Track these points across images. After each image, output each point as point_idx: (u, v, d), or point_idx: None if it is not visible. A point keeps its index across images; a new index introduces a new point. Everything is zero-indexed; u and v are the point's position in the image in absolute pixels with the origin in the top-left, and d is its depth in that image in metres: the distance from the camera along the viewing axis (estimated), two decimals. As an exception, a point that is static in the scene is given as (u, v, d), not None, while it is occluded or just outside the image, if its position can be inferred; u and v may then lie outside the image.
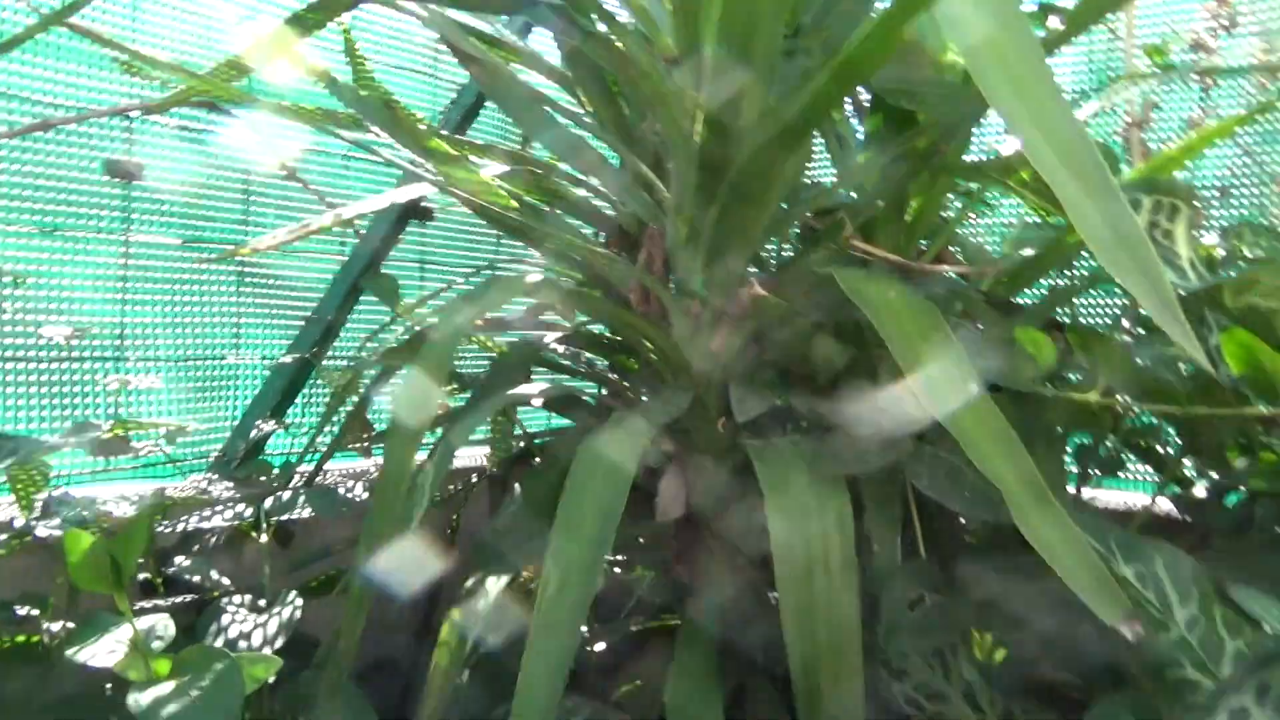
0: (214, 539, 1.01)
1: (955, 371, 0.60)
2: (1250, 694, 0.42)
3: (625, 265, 0.92)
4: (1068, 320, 0.98)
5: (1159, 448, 1.03)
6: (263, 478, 1.15)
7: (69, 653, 0.60)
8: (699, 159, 0.77)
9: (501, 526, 0.91)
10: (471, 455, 1.39)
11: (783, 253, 1.06)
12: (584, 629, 1.04)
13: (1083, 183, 0.45)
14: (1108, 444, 1.02)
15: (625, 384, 1.17)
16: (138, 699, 0.57)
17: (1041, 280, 0.97)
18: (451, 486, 1.28)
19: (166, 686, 0.57)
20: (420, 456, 0.82)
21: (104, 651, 0.59)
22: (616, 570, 1.15)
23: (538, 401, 1.09)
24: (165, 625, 0.62)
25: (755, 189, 0.74)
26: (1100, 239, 0.44)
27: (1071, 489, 1.10)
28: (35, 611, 0.75)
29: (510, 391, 0.89)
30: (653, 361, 0.98)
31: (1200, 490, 0.96)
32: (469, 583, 0.86)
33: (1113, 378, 0.69)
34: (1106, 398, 0.71)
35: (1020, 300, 0.98)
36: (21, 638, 0.75)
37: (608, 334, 1.08)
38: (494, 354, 1.15)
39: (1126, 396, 0.74)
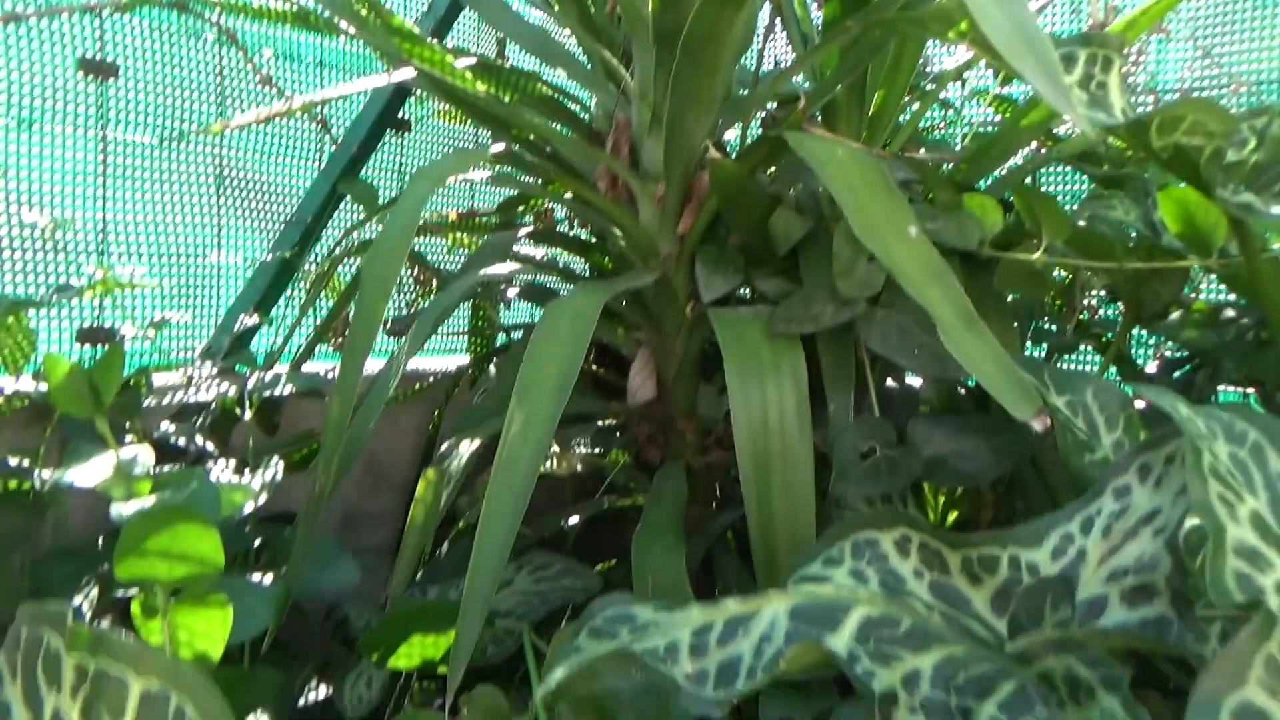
0: (201, 418, 1.04)
1: (895, 215, 0.63)
2: (1134, 474, 0.45)
3: (594, 151, 0.94)
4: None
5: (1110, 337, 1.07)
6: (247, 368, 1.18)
7: (54, 473, 0.63)
8: (654, 31, 0.79)
9: (477, 401, 0.95)
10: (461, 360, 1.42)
11: (746, 142, 1.08)
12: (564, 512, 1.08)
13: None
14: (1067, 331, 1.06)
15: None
16: (119, 510, 0.60)
17: (998, 171, 1.00)
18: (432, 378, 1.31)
19: (147, 500, 0.61)
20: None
21: (88, 473, 0.63)
22: (595, 452, 1.18)
23: (513, 293, 1.12)
24: (146, 454, 0.65)
25: (705, 51, 0.76)
26: (1000, 30, 0.46)
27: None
28: (26, 463, 0.79)
29: (482, 271, 0.92)
30: (622, 249, 1.01)
31: (1150, 368, 1.00)
32: (443, 446, 0.89)
33: (1055, 236, 0.72)
34: (1050, 257, 0.74)
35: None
36: (14, 483, 0.78)
37: (579, 232, 1.11)
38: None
39: (1072, 259, 0.77)
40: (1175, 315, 0.78)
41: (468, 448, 0.85)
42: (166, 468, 0.92)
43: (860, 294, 0.78)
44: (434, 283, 1.35)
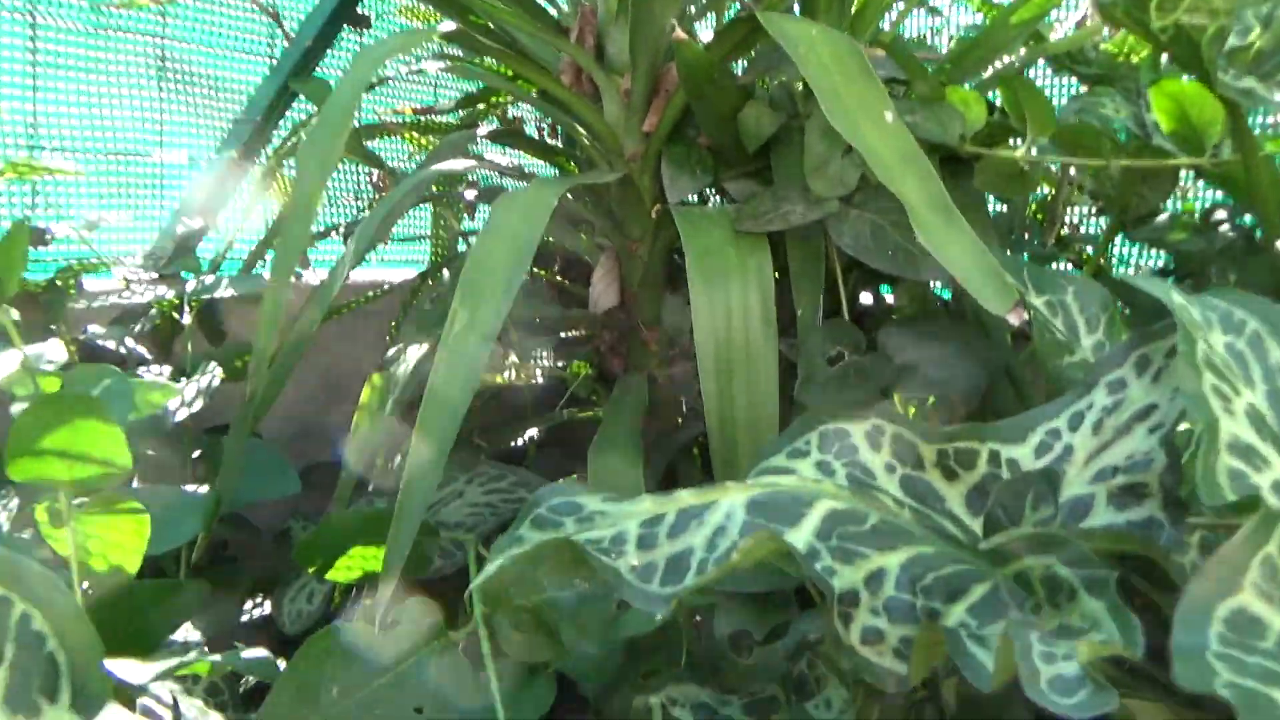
0: (139, 323, 0.98)
1: (871, 100, 0.58)
2: (1130, 367, 0.42)
3: (557, 40, 0.88)
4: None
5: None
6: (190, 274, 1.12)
7: (-44, 371, 0.58)
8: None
9: (429, 306, 0.90)
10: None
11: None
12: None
13: None
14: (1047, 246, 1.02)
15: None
16: (22, 407, 0.55)
17: (985, 71, 0.94)
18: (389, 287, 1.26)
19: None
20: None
21: (-6, 367, 0.58)
22: (556, 366, 1.14)
23: (471, 194, 1.06)
24: (56, 349, 0.60)
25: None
26: None
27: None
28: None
29: (434, 167, 0.86)
30: (586, 149, 0.95)
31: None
32: (391, 351, 0.85)
33: (1041, 131, 0.68)
34: (1036, 156, 0.70)
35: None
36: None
37: (543, 128, 1.04)
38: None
39: (1057, 156, 0.73)
40: (1162, 218, 0.74)
41: (416, 353, 0.80)
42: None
43: (833, 192, 0.73)
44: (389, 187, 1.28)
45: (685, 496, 0.42)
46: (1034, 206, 1.07)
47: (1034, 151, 0.69)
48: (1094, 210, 1.04)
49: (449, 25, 0.80)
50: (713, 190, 0.99)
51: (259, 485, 0.75)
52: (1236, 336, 0.39)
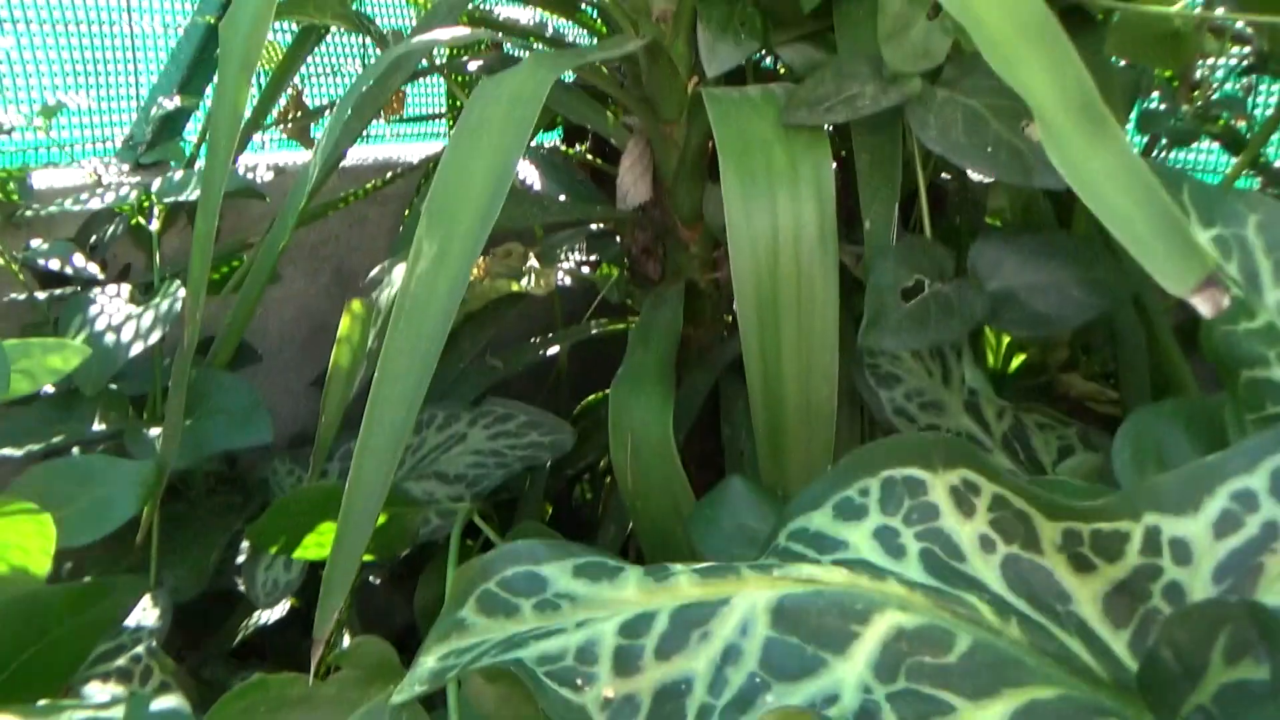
0: (111, 228, 0.86)
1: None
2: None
3: None
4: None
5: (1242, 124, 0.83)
6: (173, 164, 0.99)
7: None
8: None
9: (419, 210, 0.75)
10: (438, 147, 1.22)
11: None
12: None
13: None
14: (1181, 113, 0.82)
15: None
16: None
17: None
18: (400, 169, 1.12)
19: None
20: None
21: None
22: (590, 259, 1.00)
23: (474, 66, 0.90)
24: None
25: None
26: None
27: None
28: None
29: (418, 38, 0.70)
30: (607, 7, 0.77)
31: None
32: (374, 271, 0.71)
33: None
34: (1204, 14, 0.51)
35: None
36: None
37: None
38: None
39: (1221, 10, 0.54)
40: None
41: (401, 272, 0.67)
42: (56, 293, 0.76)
43: (914, 67, 0.56)
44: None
45: (685, 585, 0.29)
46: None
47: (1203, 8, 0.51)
48: (1245, 63, 0.83)
49: None
50: (764, 56, 0.81)
51: (221, 433, 0.64)
52: None
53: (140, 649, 0.54)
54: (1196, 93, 0.83)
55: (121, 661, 0.53)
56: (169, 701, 0.42)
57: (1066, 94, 0.37)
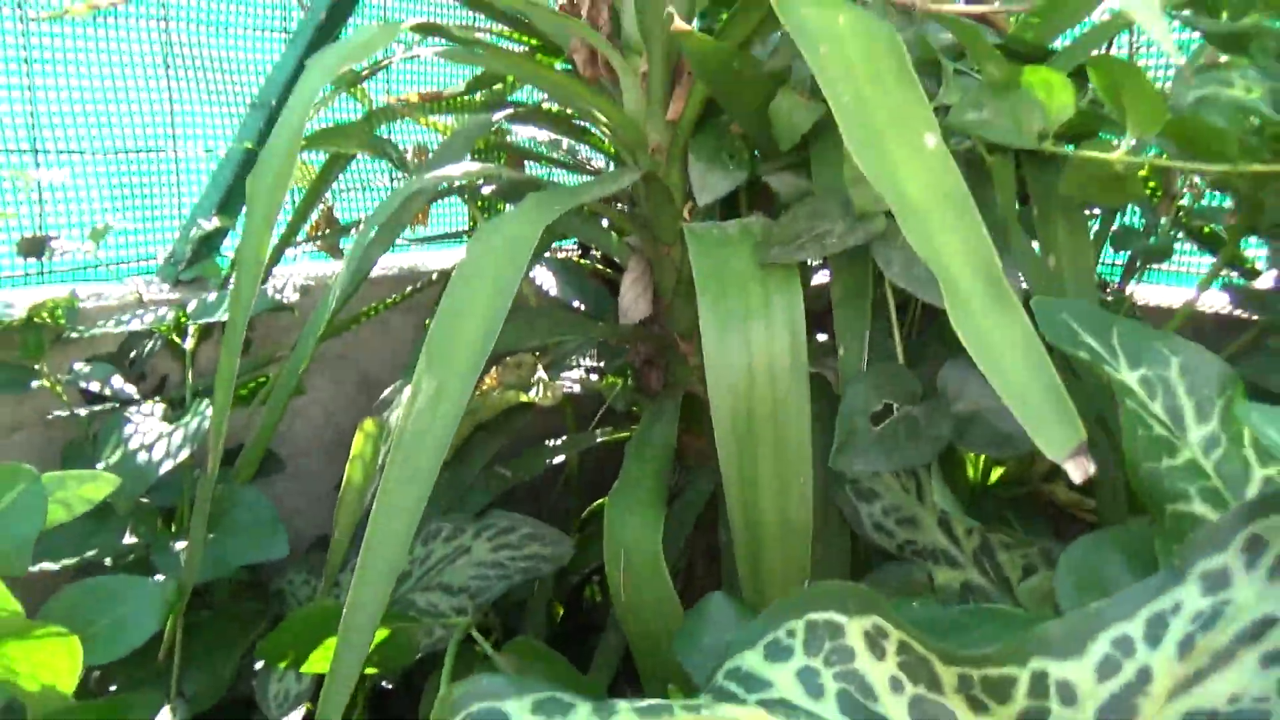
0: (150, 345, 0.93)
1: (908, 115, 0.45)
2: (1236, 552, 0.29)
3: (565, 19, 0.75)
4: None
5: (1220, 231, 0.86)
6: (210, 281, 1.06)
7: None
8: None
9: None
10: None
11: None
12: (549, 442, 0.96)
13: None
14: (1160, 227, 0.86)
15: (591, 167, 1.03)
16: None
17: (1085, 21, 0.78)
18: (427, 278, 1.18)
19: (-40, 512, 0.49)
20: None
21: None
22: (592, 375, 1.05)
23: (488, 190, 0.96)
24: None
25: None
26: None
27: (1116, 283, 0.94)
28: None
29: (431, 174, 0.76)
30: (609, 140, 0.83)
31: (1268, 280, 0.80)
32: (386, 392, 0.76)
33: (1146, 128, 0.53)
34: (1136, 156, 0.55)
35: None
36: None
37: (564, 110, 0.93)
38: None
39: (1167, 155, 0.58)
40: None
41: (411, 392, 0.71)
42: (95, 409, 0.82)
43: (879, 206, 0.60)
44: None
45: (626, 725, 0.32)
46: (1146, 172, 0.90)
47: (1136, 153, 0.55)
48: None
49: (414, 21, 0.68)
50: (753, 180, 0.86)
51: (239, 549, 0.68)
52: None
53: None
54: (1178, 202, 0.86)
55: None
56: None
57: (974, 269, 0.41)
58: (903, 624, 0.32)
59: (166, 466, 0.73)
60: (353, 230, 1.11)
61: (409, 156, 1.26)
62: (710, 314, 0.58)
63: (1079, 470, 0.35)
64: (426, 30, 0.69)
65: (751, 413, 0.57)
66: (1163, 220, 0.87)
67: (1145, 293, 1.02)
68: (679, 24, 0.59)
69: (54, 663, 0.50)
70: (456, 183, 0.76)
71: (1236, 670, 0.28)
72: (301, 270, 1.16)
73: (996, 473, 0.72)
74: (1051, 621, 0.31)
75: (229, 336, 0.60)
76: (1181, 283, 1.11)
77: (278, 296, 0.91)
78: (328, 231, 1.17)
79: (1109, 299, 0.89)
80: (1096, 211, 0.89)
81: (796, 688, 0.32)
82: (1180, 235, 0.84)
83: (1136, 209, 0.91)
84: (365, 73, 0.88)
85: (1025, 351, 0.38)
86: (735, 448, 0.57)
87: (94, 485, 0.54)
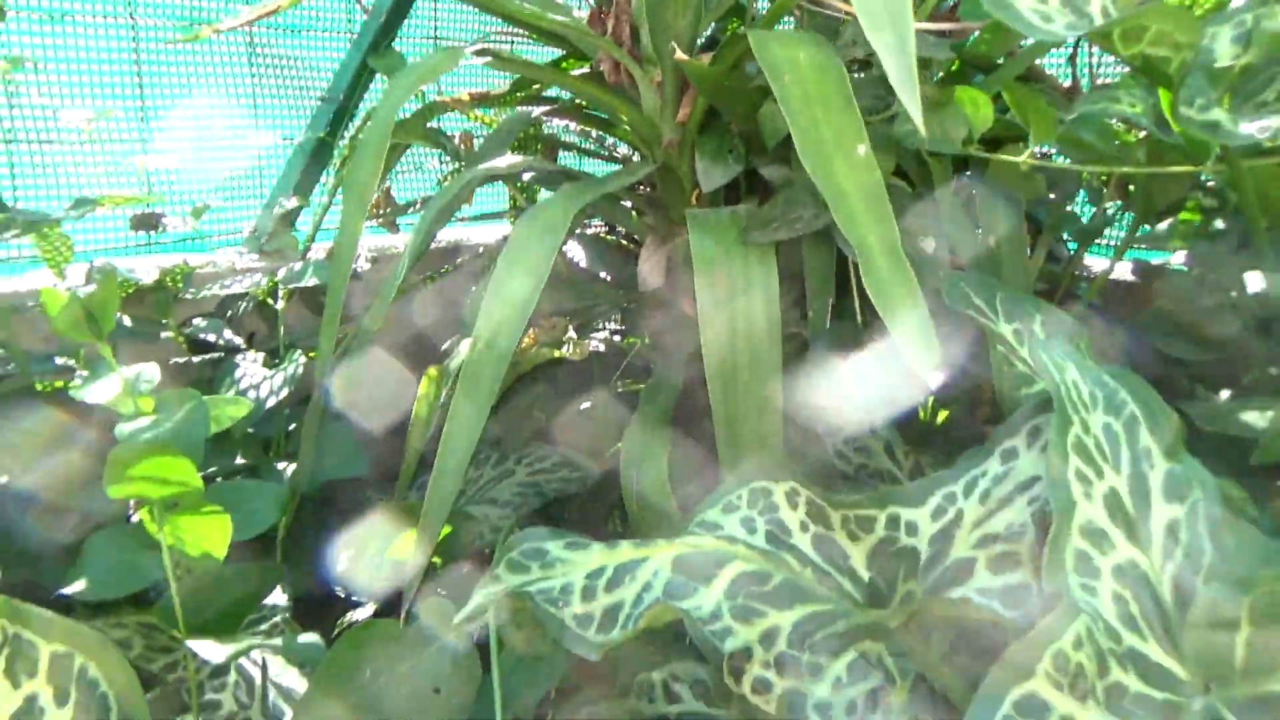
0: (234, 310, 1.11)
1: (846, 132, 0.60)
2: (1024, 436, 0.45)
3: (592, 35, 0.91)
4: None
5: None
6: (289, 252, 1.23)
7: (75, 391, 0.70)
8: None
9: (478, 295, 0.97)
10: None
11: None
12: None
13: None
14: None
15: (617, 154, 1.19)
16: (122, 428, 0.67)
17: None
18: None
19: (145, 420, 0.67)
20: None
21: (102, 390, 0.69)
22: (615, 336, 1.21)
23: (528, 176, 1.12)
24: (151, 371, 0.71)
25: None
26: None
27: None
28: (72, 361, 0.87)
29: (482, 166, 0.92)
30: (629, 135, 0.99)
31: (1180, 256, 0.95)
32: (446, 344, 0.93)
33: (1042, 137, 0.68)
34: (1038, 161, 0.70)
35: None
36: (60, 383, 0.86)
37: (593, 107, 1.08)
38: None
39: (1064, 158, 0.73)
40: (1165, 224, 0.73)
41: (466, 345, 0.88)
42: (205, 358, 1.00)
43: (840, 198, 0.75)
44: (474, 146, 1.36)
45: (625, 550, 0.49)
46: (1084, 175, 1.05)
47: (1039, 155, 0.70)
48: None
49: (475, 47, 0.85)
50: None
51: (332, 467, 0.86)
52: (1115, 417, 0.42)
53: (278, 618, 0.75)
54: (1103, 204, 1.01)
55: (264, 627, 0.74)
56: (308, 637, 0.63)
57: (883, 245, 0.57)
58: (809, 485, 0.48)
59: (270, 403, 0.91)
60: (411, 209, 1.27)
61: (457, 142, 1.43)
62: (703, 281, 0.75)
63: (933, 379, 0.51)
64: (483, 53, 0.85)
65: (735, 362, 0.73)
66: (1102, 209, 1.01)
67: (1095, 264, 1.16)
68: (680, 55, 0.75)
69: (211, 534, 0.68)
70: (502, 173, 0.93)
71: (1012, 509, 0.44)
72: (365, 243, 1.34)
73: (942, 416, 0.88)
74: (907, 484, 0.47)
75: (331, 298, 0.77)
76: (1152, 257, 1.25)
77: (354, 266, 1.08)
78: (388, 210, 1.34)
79: (1059, 269, 1.04)
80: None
81: (740, 529, 0.49)
82: (1108, 223, 0.99)
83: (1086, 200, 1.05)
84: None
85: (913, 304, 0.54)
86: (721, 384, 0.74)
87: (234, 407, 0.71)
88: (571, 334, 1.08)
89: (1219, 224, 0.71)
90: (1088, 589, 0.38)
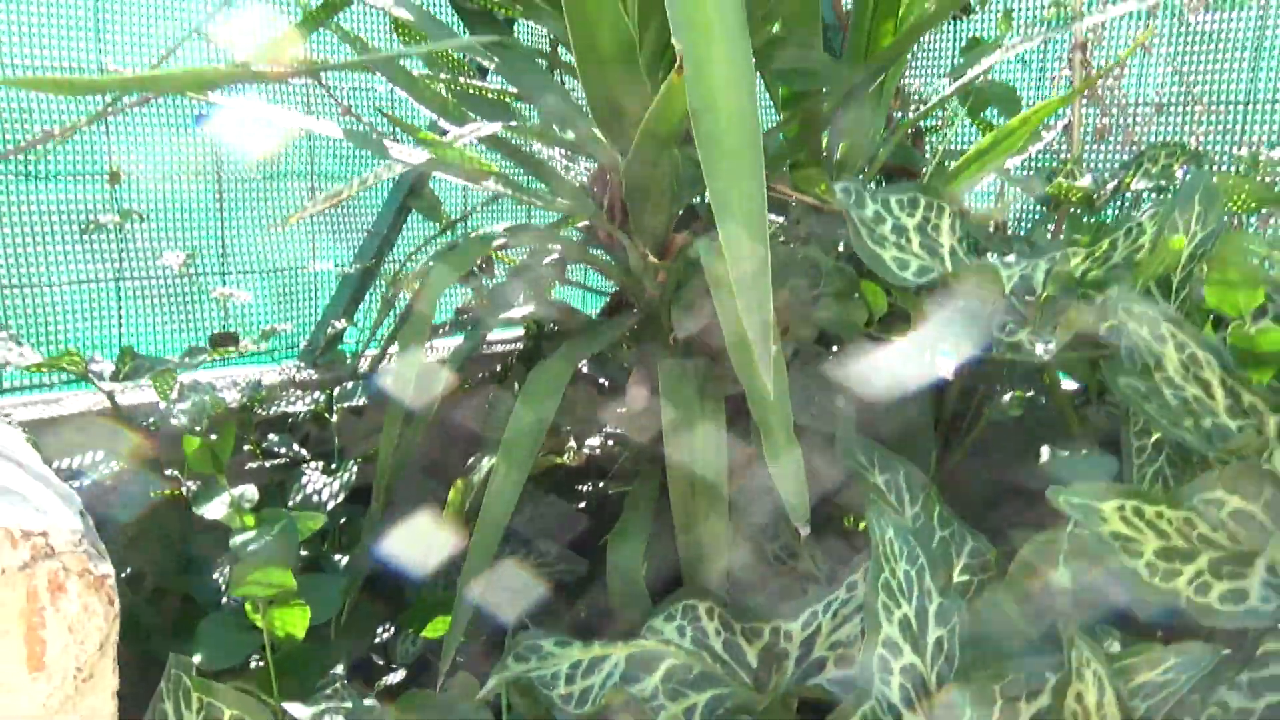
0: (302, 417, 1.35)
1: (762, 335, 0.84)
2: (861, 573, 0.67)
3: (589, 209, 1.16)
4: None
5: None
6: (338, 365, 1.48)
7: (196, 508, 0.94)
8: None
9: (500, 415, 1.21)
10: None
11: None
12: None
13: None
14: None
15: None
16: (234, 540, 0.90)
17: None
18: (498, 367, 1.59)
19: (250, 534, 0.91)
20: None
21: (215, 508, 0.93)
22: (609, 441, 1.45)
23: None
24: (251, 492, 0.94)
25: (649, 186, 0.97)
26: (741, 280, 0.66)
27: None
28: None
29: (502, 315, 1.17)
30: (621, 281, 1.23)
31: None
32: (470, 460, 1.17)
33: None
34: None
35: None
36: (169, 491, 1.10)
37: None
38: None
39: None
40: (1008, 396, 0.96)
41: (488, 462, 1.12)
42: (274, 464, 1.24)
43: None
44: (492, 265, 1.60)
45: (596, 649, 0.72)
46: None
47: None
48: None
49: (502, 240, 1.09)
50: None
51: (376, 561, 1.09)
52: (911, 566, 0.64)
53: (338, 683, 0.98)
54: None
55: (329, 690, 0.97)
56: (369, 701, 0.86)
57: (784, 428, 0.80)
58: (721, 604, 0.71)
59: (329, 506, 1.14)
60: (440, 330, 1.52)
61: (480, 265, 1.67)
62: (668, 418, 0.98)
63: (801, 532, 0.74)
64: (512, 232, 1.09)
65: (692, 483, 0.96)
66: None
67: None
68: (646, 253, 0.99)
69: (295, 620, 0.91)
70: (516, 321, 1.17)
71: (852, 623, 0.67)
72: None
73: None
74: (787, 605, 0.70)
75: (389, 423, 1.01)
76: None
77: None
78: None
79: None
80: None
81: (675, 634, 0.71)
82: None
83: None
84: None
85: (797, 478, 0.77)
86: (681, 500, 0.96)
87: (312, 520, 0.95)
88: (572, 442, 1.31)
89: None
90: (885, 681, 0.60)
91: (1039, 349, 0.75)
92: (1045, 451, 0.83)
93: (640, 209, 1.08)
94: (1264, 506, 0.55)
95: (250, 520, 0.93)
